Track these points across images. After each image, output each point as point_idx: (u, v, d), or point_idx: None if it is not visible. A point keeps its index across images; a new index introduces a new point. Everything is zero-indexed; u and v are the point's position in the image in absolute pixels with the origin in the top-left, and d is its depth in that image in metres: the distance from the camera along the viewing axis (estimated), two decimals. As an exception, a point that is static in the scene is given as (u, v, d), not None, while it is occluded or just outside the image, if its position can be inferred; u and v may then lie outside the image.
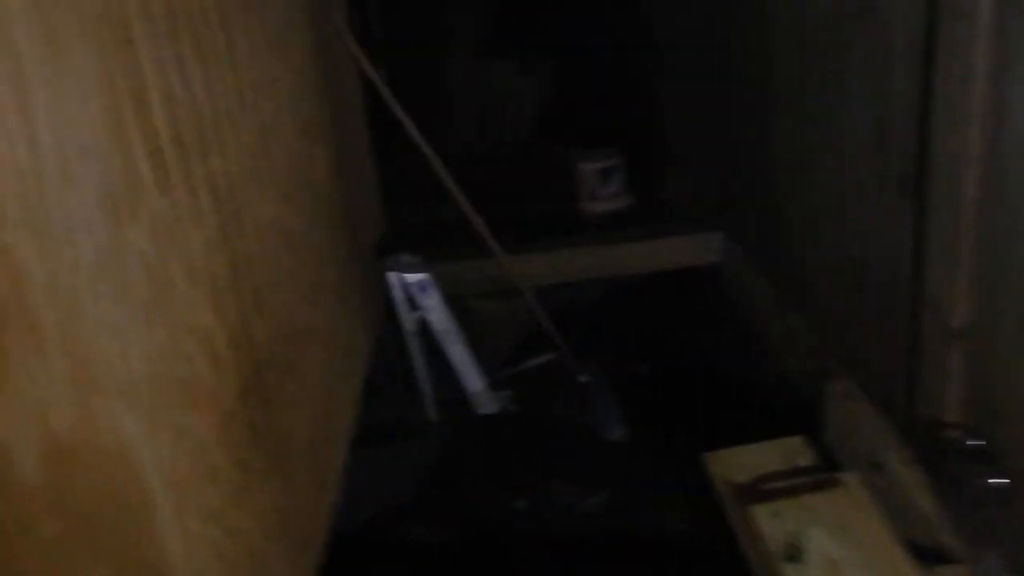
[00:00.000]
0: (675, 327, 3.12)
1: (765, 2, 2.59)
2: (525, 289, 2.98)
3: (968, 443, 1.64)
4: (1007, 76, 1.44)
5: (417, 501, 2.33)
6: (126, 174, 1.19)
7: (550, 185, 4.25)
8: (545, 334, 2.96)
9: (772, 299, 2.81)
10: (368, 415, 2.62)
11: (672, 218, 3.78)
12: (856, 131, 2.03)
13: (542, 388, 2.83)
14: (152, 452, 1.15)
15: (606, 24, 4.76)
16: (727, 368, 2.78)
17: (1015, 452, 1.54)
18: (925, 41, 1.65)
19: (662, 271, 3.49)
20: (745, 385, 2.66)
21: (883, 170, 1.91)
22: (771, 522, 1.75)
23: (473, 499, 2.33)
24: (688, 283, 3.42)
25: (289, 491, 1.72)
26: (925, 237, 1.73)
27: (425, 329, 2.67)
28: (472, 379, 2.69)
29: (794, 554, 1.68)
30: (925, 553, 1.68)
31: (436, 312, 2.64)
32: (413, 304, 2.63)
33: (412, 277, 2.62)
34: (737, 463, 1.98)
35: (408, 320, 2.64)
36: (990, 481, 1.56)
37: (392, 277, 2.61)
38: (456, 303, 2.94)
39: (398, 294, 2.62)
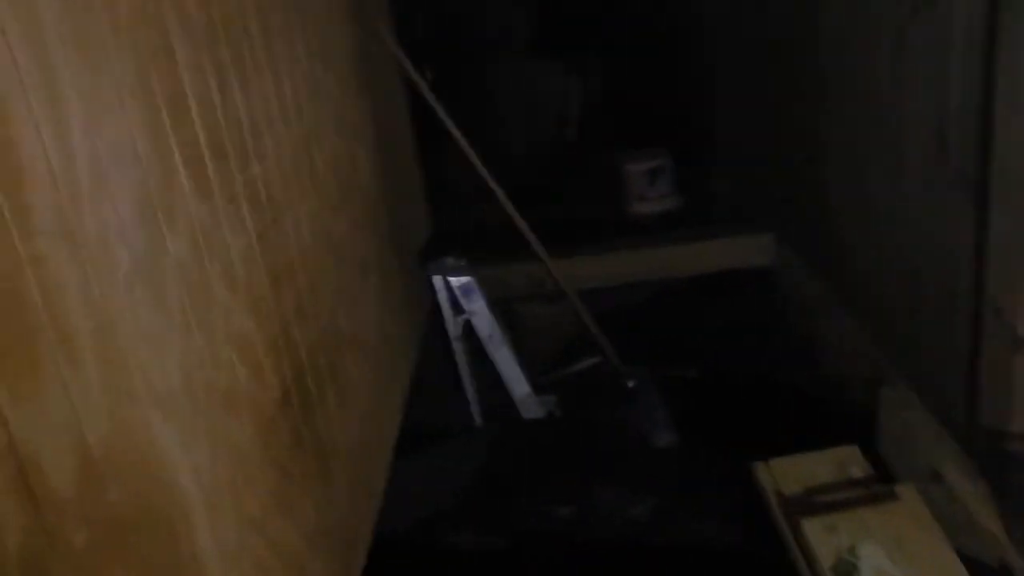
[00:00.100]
0: (725, 331, 3.06)
1: (817, -3, 2.52)
2: (571, 292, 2.95)
3: (1033, 455, 1.57)
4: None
5: (461, 506, 2.31)
6: (164, 182, 1.19)
7: (597, 187, 4.21)
8: (591, 338, 2.92)
9: (825, 302, 2.73)
10: (413, 420, 2.61)
11: (722, 219, 3.71)
12: (914, 129, 1.96)
13: (588, 393, 2.80)
14: (189, 461, 1.14)
15: (654, 22, 4.70)
16: (778, 373, 2.70)
17: (1084, 466, 1.46)
18: (986, 36, 1.58)
19: (711, 273, 3.42)
20: (797, 391, 2.59)
21: (942, 168, 1.84)
22: (823, 536, 1.69)
23: (517, 505, 2.30)
24: (738, 285, 3.34)
25: (331, 498, 1.71)
26: (987, 238, 1.66)
27: (470, 333, 2.65)
28: (517, 383, 2.67)
29: (847, 570, 1.62)
30: (986, 571, 1.61)
31: (481, 316, 2.62)
32: (458, 307, 2.61)
33: (457, 280, 2.60)
34: (788, 473, 1.92)
35: (453, 324, 2.62)
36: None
37: (437, 280, 2.60)
38: (501, 307, 2.92)
39: (443, 297, 2.61)
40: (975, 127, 1.66)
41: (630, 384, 2.75)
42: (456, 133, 2.81)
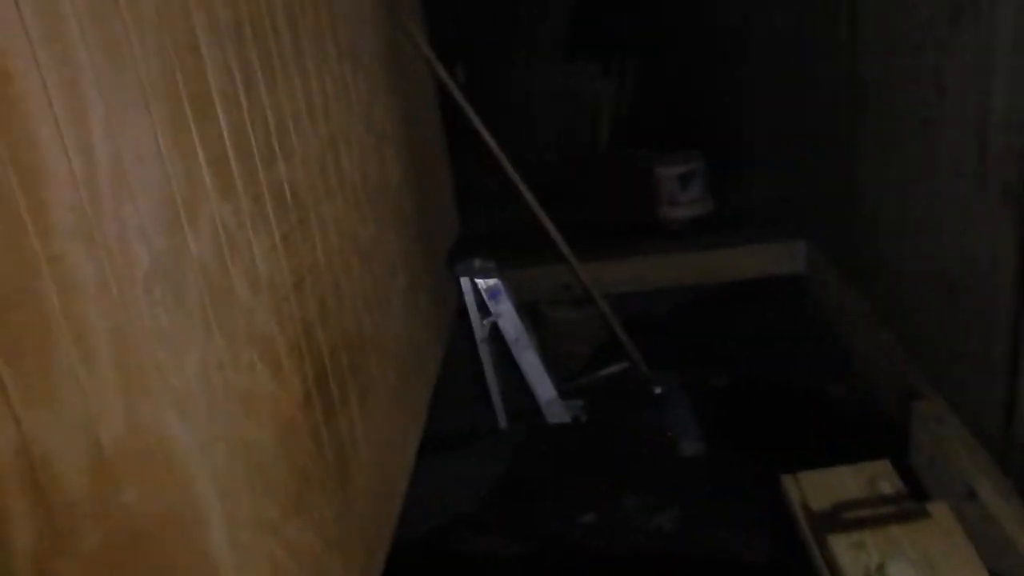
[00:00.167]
0: (756, 338, 3.01)
1: (856, 1, 2.47)
2: (598, 296, 2.92)
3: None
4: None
5: (483, 511, 2.30)
6: (187, 181, 1.18)
7: (628, 190, 4.17)
8: (619, 343, 2.89)
9: (859, 311, 2.67)
10: (437, 422, 2.60)
11: (754, 225, 3.66)
12: (954, 138, 1.91)
13: (615, 398, 2.77)
14: (206, 462, 1.14)
15: (691, 25, 4.66)
16: (809, 383, 2.65)
17: None
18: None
19: (743, 280, 3.37)
20: (828, 402, 2.54)
21: (983, 177, 1.79)
22: (851, 553, 1.65)
23: (540, 510, 2.28)
24: (770, 293, 3.29)
25: (351, 500, 1.70)
26: (1027, 251, 1.61)
27: (497, 335, 2.63)
28: (543, 387, 2.65)
29: (875, 589, 1.58)
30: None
31: (508, 318, 2.60)
32: (485, 310, 2.60)
33: (484, 282, 2.59)
34: (817, 487, 1.87)
35: (480, 326, 2.61)
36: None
37: (464, 282, 2.59)
38: (529, 309, 2.91)
39: (470, 299, 2.60)
40: (1017, 138, 1.61)
41: (657, 390, 2.71)
42: (485, 134, 2.80)
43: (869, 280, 2.61)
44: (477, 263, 2.60)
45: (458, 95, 2.78)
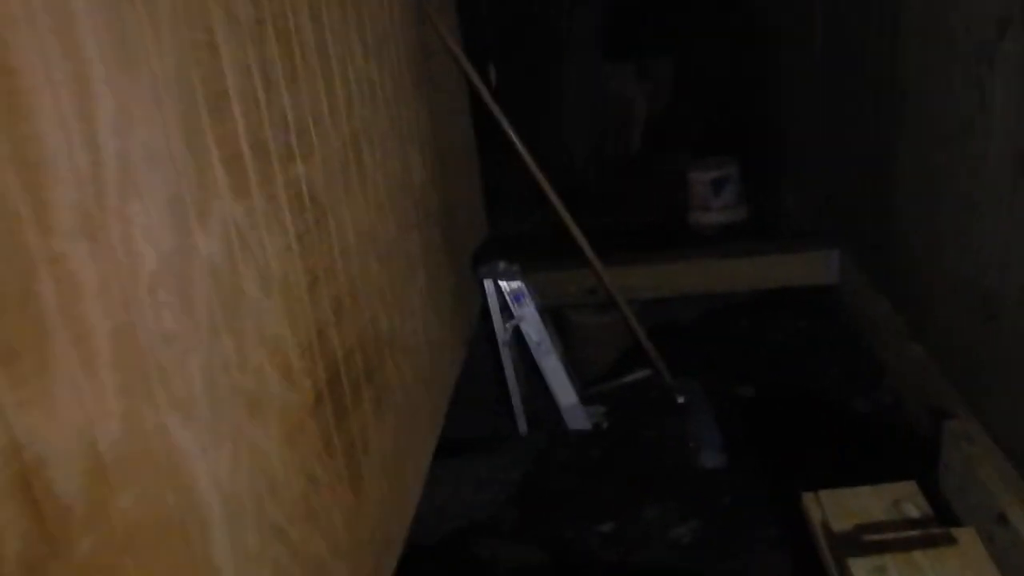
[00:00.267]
0: (785, 350, 2.96)
1: (898, 7, 2.40)
2: (623, 302, 2.88)
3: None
4: None
5: (498, 517, 2.27)
6: (198, 180, 1.17)
7: (660, 195, 4.12)
8: (643, 350, 2.85)
9: (891, 325, 2.61)
10: (457, 425, 2.58)
11: (787, 233, 3.59)
12: (994, 152, 1.84)
13: (637, 406, 2.73)
14: (209, 466, 1.12)
15: (727, 29, 4.59)
16: (837, 397, 2.60)
17: None
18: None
19: (773, 289, 3.30)
20: (855, 418, 2.48)
21: (1023, 195, 1.72)
22: (872, 578, 1.60)
23: (556, 518, 2.25)
24: (801, 303, 3.23)
25: (361, 505, 1.68)
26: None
27: (519, 339, 2.61)
28: (565, 392, 2.62)
29: (896, 617, 1.53)
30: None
31: (531, 321, 2.57)
32: (508, 312, 2.57)
33: (508, 284, 2.56)
34: (839, 507, 1.82)
35: (502, 329, 2.58)
36: None
37: (488, 284, 2.56)
38: (552, 314, 2.88)
39: (493, 301, 2.57)
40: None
41: (680, 400, 2.67)
42: (513, 135, 2.77)
43: (902, 293, 2.54)
44: (501, 265, 2.58)
45: (485, 95, 2.76)
